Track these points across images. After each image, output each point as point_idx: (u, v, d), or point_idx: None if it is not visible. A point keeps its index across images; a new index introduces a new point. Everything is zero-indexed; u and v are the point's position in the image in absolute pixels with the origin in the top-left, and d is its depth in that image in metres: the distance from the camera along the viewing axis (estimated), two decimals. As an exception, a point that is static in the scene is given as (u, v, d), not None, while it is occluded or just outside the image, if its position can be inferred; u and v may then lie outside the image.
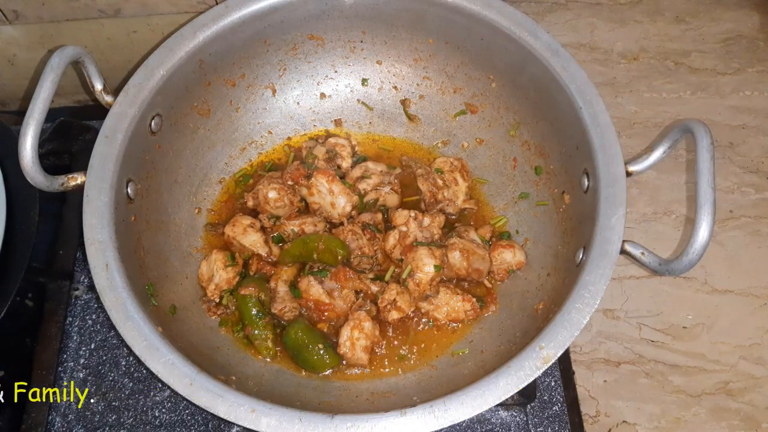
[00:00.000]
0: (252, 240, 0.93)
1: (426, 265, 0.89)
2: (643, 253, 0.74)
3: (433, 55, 1.00)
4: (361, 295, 0.92)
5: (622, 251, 0.74)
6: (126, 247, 0.78)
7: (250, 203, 0.97)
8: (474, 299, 0.90)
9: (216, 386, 0.68)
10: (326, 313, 0.90)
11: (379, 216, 0.96)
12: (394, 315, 0.88)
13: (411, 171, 1.01)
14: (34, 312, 0.95)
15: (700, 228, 0.68)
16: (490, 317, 0.91)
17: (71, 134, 1.06)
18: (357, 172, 0.99)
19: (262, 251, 0.93)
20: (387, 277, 0.92)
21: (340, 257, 0.90)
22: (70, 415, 0.90)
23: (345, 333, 0.86)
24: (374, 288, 0.91)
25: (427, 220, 0.93)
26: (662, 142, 0.77)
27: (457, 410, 0.66)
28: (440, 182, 0.99)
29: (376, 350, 0.89)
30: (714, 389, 0.94)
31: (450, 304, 0.89)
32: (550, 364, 0.68)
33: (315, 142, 1.04)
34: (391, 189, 0.98)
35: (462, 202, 0.99)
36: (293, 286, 0.91)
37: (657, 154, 0.78)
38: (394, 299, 0.88)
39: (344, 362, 0.88)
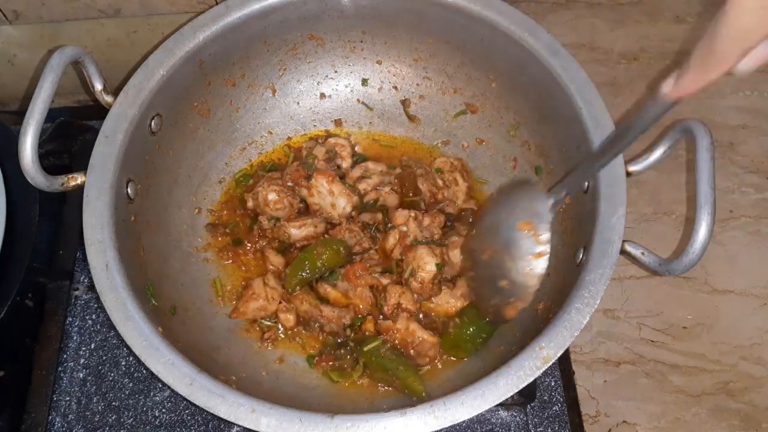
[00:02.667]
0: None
1: (427, 264, 0.89)
2: (643, 253, 0.74)
3: (433, 55, 1.00)
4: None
5: (622, 251, 0.74)
6: (126, 247, 0.78)
7: (250, 204, 0.97)
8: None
9: (216, 386, 0.68)
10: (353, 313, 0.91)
11: (379, 216, 0.96)
12: (404, 320, 0.88)
13: (411, 171, 1.01)
14: (34, 312, 0.95)
15: (700, 228, 0.68)
16: (490, 317, 0.91)
17: (71, 134, 1.06)
18: (357, 172, 0.99)
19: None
20: (406, 273, 0.91)
21: (342, 251, 0.90)
22: (70, 415, 0.90)
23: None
24: (385, 281, 0.91)
25: (427, 220, 0.93)
26: (662, 142, 0.77)
27: (457, 410, 0.66)
28: (440, 182, 0.99)
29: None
30: (714, 389, 0.94)
31: (450, 303, 0.89)
32: (550, 364, 0.68)
33: (315, 142, 1.04)
34: (391, 189, 0.98)
35: (462, 202, 0.99)
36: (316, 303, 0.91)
37: (657, 154, 0.78)
38: (398, 302, 0.88)
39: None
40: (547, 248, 0.75)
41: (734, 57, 0.47)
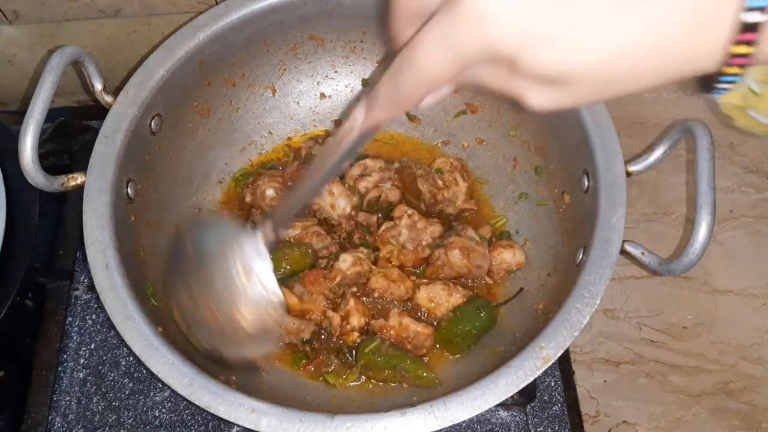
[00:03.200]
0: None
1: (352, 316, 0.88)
2: (643, 253, 0.74)
3: (433, 55, 1.00)
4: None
5: (622, 251, 0.74)
6: (126, 247, 0.78)
7: (248, 198, 0.97)
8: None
9: (216, 386, 0.68)
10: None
11: (374, 218, 0.96)
12: (395, 315, 0.88)
13: (411, 172, 1.01)
14: (34, 312, 0.95)
15: (700, 228, 0.68)
16: (490, 317, 0.91)
17: (71, 134, 1.06)
18: (356, 171, 0.99)
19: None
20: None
21: (309, 255, 0.90)
22: (70, 415, 0.90)
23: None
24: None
25: (422, 224, 0.92)
26: (662, 142, 0.77)
27: (457, 410, 0.66)
28: (440, 183, 0.98)
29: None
30: (714, 389, 0.94)
31: (450, 301, 0.89)
32: (550, 364, 0.68)
33: (315, 142, 1.04)
34: (392, 184, 0.98)
35: (462, 202, 0.99)
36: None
37: (657, 154, 0.78)
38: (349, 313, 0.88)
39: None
40: (277, 292, 0.66)
41: (419, 98, 0.48)
